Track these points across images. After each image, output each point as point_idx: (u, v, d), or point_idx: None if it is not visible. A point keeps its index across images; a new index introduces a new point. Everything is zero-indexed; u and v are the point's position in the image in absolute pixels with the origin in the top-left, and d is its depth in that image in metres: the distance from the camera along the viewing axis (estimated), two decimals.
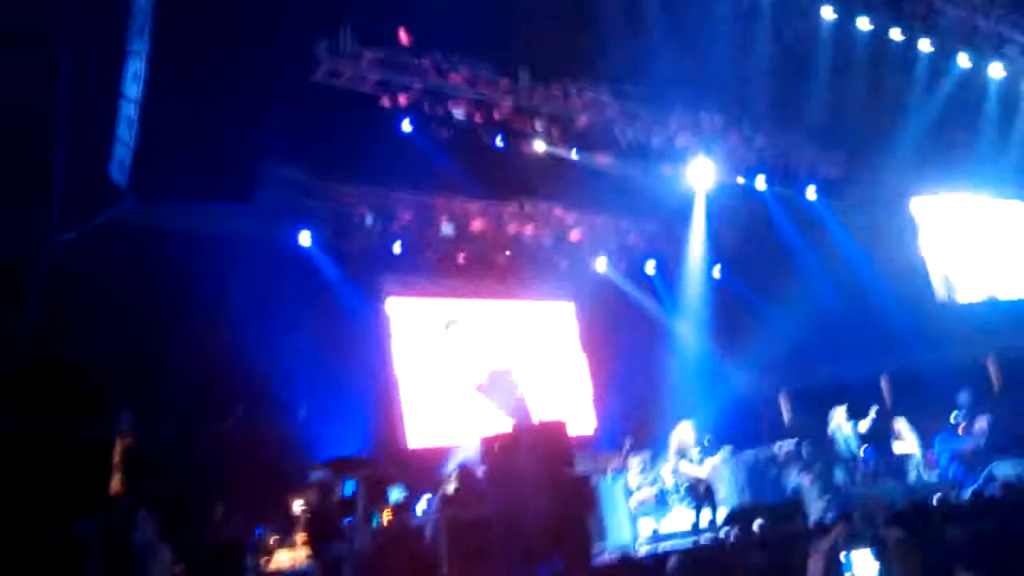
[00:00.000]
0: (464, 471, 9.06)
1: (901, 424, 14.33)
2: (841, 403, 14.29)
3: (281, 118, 11.48)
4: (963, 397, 15.28)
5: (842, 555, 1.66)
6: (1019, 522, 5.97)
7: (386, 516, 8.15)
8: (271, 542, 8.56)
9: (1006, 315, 22.08)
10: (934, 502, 9.07)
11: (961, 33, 18.07)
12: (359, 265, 14.49)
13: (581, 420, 15.93)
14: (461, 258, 15.90)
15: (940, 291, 21.83)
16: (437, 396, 15.02)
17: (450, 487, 9.15)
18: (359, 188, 14.54)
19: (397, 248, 14.94)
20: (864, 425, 13.49)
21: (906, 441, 13.90)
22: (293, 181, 13.39)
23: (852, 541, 1.72)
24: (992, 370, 23.44)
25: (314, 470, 9.11)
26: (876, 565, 1.62)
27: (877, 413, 14.31)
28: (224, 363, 11.27)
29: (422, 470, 11.45)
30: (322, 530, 7.86)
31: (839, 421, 13.79)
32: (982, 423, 14.55)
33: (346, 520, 8.29)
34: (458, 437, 14.12)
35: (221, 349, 11.22)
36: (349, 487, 8.77)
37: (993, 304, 22.27)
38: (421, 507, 8.05)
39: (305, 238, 13.93)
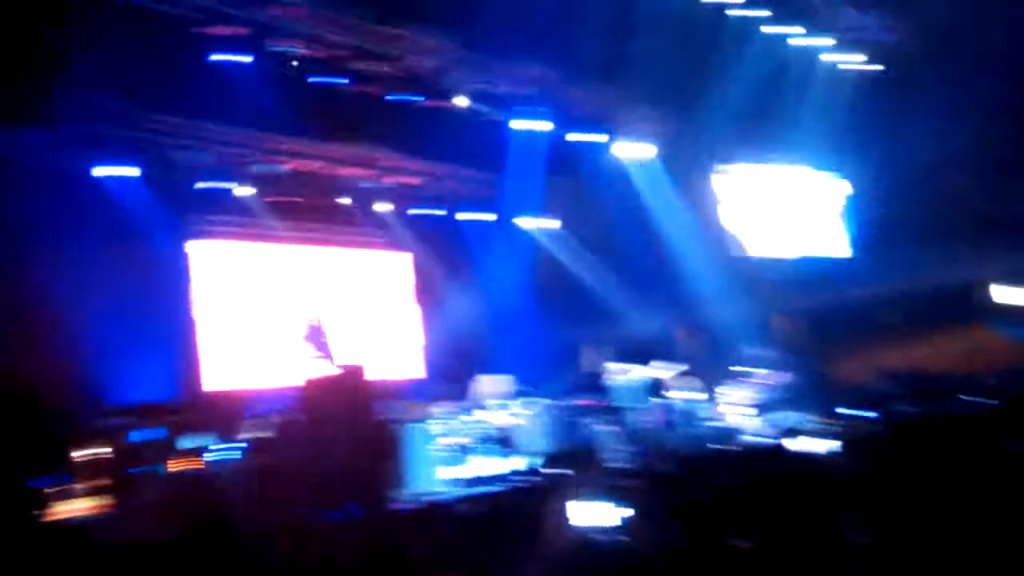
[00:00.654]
0: (265, 418, 8.99)
1: (687, 376, 14.94)
2: (640, 354, 14.85)
3: (88, 40, 10.83)
4: (751, 351, 16.27)
5: (581, 502, 1.80)
6: (791, 469, 6.46)
7: (182, 463, 8.01)
8: (56, 491, 8.22)
9: (802, 273, 23.64)
10: (712, 449, 9.65)
11: (789, 3, 18.78)
12: (168, 201, 13.78)
13: (409, 367, 16.05)
14: (284, 200, 15.46)
15: (739, 251, 23.12)
16: (242, 339, 14.71)
17: (247, 433, 9.08)
18: (174, 119, 13.72)
19: (212, 184, 14.28)
20: (653, 373, 13.89)
21: (694, 392, 14.56)
22: (100, 108, 12.52)
23: (589, 494, 1.86)
24: (779, 327, 25.09)
25: (106, 415, 8.81)
26: (619, 513, 1.77)
27: (670, 364, 14.95)
28: (14, 298, 10.66)
29: (220, 417, 11.23)
30: (112, 478, 7.65)
31: (630, 371, 14.26)
32: (768, 375, 15.59)
33: (138, 468, 8.09)
34: (259, 382, 14.01)
35: (12, 283, 10.60)
36: (142, 433, 8.54)
37: (785, 264, 23.78)
38: (218, 455, 7.94)
39: (111, 169, 13.12)
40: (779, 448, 6.81)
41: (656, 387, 14.94)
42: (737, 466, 5.85)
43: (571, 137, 17.95)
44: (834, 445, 6.90)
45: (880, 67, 22.42)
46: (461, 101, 15.77)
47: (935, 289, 24.17)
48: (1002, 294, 25.78)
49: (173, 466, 7.87)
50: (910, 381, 15.50)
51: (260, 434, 9.11)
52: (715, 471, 5.12)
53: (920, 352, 20.06)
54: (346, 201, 16.13)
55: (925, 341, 21.62)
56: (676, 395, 14.33)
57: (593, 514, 1.91)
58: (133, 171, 13.27)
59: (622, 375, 13.54)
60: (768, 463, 6.31)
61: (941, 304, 24.17)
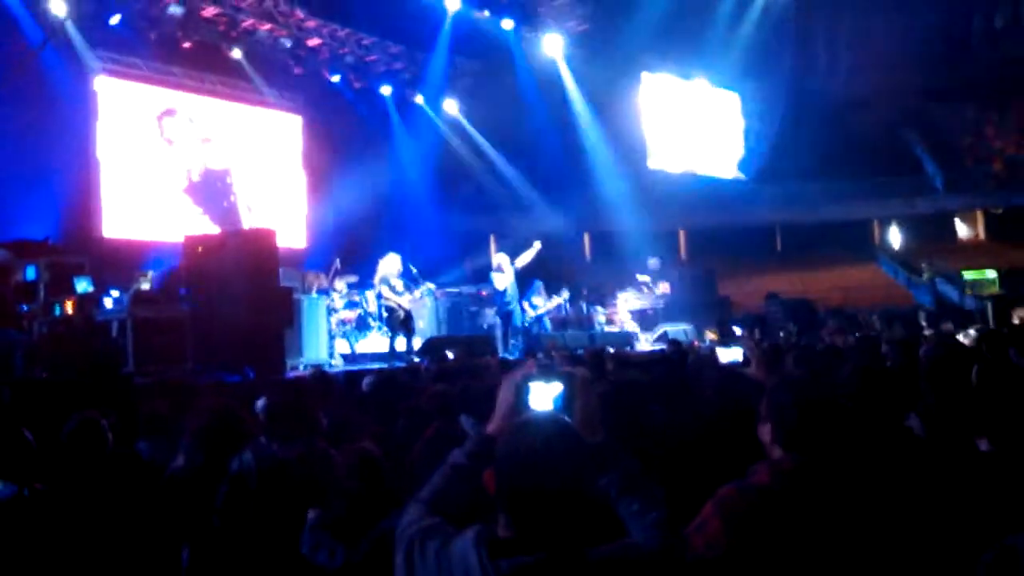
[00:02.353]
0: (162, 270, 8.67)
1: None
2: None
3: None
4: (653, 262, 16.54)
5: (528, 384, 1.78)
6: (683, 372, 6.63)
7: (69, 307, 7.66)
8: None
9: (703, 192, 24.06)
10: (610, 351, 9.82)
11: None
12: (70, 33, 12.96)
13: (293, 235, 15.67)
14: (187, 45, 14.70)
15: (652, 161, 23.32)
16: (142, 188, 14.15)
17: (144, 284, 8.75)
18: None
19: (115, 20, 13.40)
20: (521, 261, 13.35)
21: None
22: None
23: (541, 374, 1.85)
24: (681, 241, 25.66)
25: None
26: (554, 392, 1.76)
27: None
28: None
29: (116, 263, 10.81)
30: (2, 311, 7.27)
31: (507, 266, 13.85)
32: (664, 287, 15.89)
33: (24, 306, 7.72)
34: (158, 233, 13.52)
35: None
36: (30, 272, 8.12)
37: (693, 179, 24.13)
38: (112, 302, 7.62)
39: None
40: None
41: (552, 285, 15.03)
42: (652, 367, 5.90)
43: (480, 16, 17.39)
44: (737, 355, 7.02)
45: None
46: None
47: (829, 223, 25.01)
48: (895, 235, 26.87)
49: (68, 307, 7.52)
50: (794, 309, 16.10)
51: (151, 284, 8.80)
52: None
53: (807, 281, 20.80)
54: (237, 54, 15.29)
55: (813, 271, 22.43)
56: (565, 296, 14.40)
57: (545, 396, 1.86)
58: None
59: (515, 269, 13.36)
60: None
61: (833, 238, 25.06)
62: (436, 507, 1.86)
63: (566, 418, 1.83)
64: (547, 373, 2.07)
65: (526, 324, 13.21)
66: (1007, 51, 25.79)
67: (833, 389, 3.23)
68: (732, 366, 6.72)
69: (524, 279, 14.00)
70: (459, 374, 6.58)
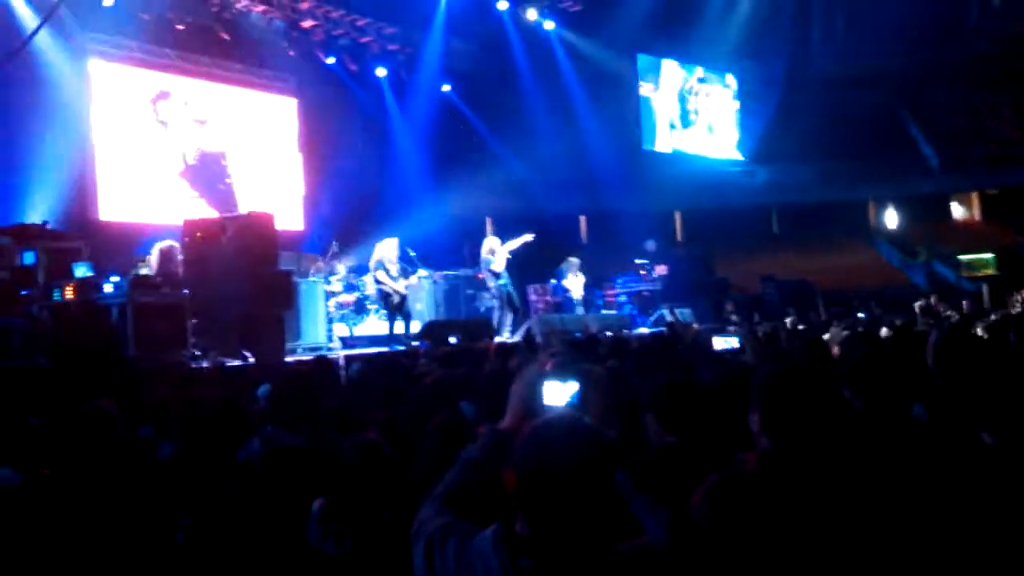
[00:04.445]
0: (161, 252, 8.66)
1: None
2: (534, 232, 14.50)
3: None
4: (650, 244, 16.56)
5: (543, 382, 1.78)
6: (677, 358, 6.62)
7: (69, 292, 7.67)
8: None
9: (699, 173, 24.05)
10: (607, 334, 9.86)
11: None
12: (64, 16, 12.86)
13: (289, 218, 15.64)
14: (180, 27, 14.60)
15: (647, 142, 23.31)
16: (137, 171, 14.10)
17: (143, 269, 8.75)
18: None
19: (109, 2, 13.30)
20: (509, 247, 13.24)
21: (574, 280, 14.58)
22: None
23: (556, 373, 1.85)
24: (678, 223, 25.66)
25: None
26: (570, 391, 1.76)
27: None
28: None
29: (114, 248, 10.78)
30: (3, 298, 7.28)
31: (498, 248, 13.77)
32: (661, 270, 15.91)
33: (23, 291, 7.72)
34: (156, 216, 13.49)
35: None
36: (29, 257, 8.12)
37: (689, 161, 24.12)
38: (112, 287, 7.63)
39: None
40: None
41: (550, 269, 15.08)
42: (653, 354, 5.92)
43: (501, 5, 17.38)
44: (734, 343, 7.07)
45: None
46: None
47: (825, 204, 25.03)
48: (890, 217, 26.88)
49: (68, 292, 7.52)
50: (790, 292, 16.15)
51: (150, 269, 8.80)
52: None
53: (803, 263, 20.82)
54: (226, 35, 15.21)
55: (810, 253, 22.45)
56: (570, 281, 14.44)
57: (560, 394, 1.87)
58: None
59: (510, 252, 13.35)
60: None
61: (829, 219, 25.08)
62: (451, 503, 1.88)
63: (584, 417, 1.85)
64: (563, 372, 2.08)
65: (524, 307, 13.28)
66: (1004, 30, 25.77)
67: (828, 376, 3.26)
68: (727, 352, 6.77)
69: (528, 264, 14.07)
70: (459, 359, 6.61)
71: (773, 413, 2.32)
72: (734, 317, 13.57)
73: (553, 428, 1.77)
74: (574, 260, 14.67)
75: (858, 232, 25.07)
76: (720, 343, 7.51)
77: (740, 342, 7.06)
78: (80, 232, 10.37)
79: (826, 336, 7.31)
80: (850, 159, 24.96)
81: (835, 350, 5.77)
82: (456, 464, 1.95)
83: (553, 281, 14.89)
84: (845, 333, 7.54)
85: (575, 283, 14.38)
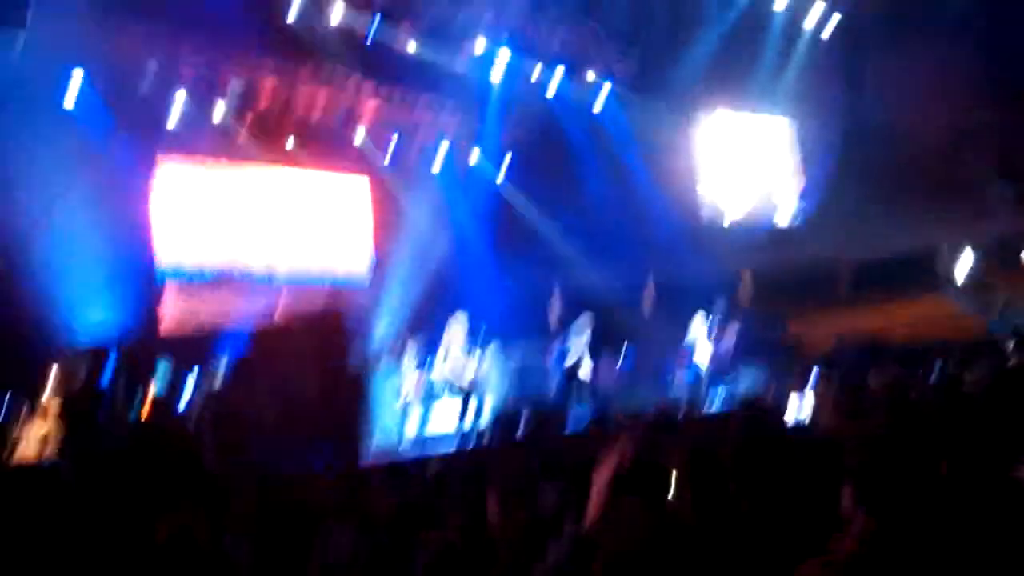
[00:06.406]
0: (234, 359, 8.79)
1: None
2: (604, 307, 14.59)
3: None
4: (717, 306, 16.34)
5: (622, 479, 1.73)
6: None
7: (147, 406, 7.80)
8: (12, 432, 7.90)
9: (762, 231, 23.80)
10: (681, 415, 9.71)
11: None
12: (134, 119, 13.23)
13: (360, 304, 15.82)
14: (249, 120, 15.05)
15: (708, 206, 23.19)
16: (208, 275, 14.42)
17: (217, 380, 8.88)
18: (144, 30, 13.14)
19: (179, 103, 13.78)
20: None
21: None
22: (71, 14, 11.98)
23: (635, 472, 1.79)
24: (744, 283, 25.33)
25: (67, 351, 8.52)
26: (648, 484, 1.69)
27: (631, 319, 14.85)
28: None
29: (187, 355, 10.96)
30: (74, 419, 7.42)
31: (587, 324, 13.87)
32: (731, 332, 15.68)
33: (102, 408, 7.86)
34: (226, 320, 13.73)
35: None
36: (107, 374, 8.27)
37: (752, 219, 23.90)
38: (186, 397, 7.74)
39: (76, 81, 12.44)
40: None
41: (615, 341, 14.99)
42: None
43: (536, 70, 17.66)
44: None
45: (839, 21, 22.53)
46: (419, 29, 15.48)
47: (891, 254, 24.51)
48: (957, 263, 26.22)
49: (144, 409, 7.65)
50: (869, 350, 15.74)
51: (221, 380, 8.91)
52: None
53: (878, 318, 20.33)
54: (302, 122, 15.68)
55: (882, 306, 21.94)
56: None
57: (639, 488, 1.84)
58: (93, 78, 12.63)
59: (581, 327, 13.34)
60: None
61: (897, 270, 24.53)
62: None
63: (664, 510, 1.81)
64: (642, 471, 2.05)
65: (594, 384, 13.15)
66: None
67: (924, 442, 3.10)
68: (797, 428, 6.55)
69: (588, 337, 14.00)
70: (531, 450, 6.56)
71: (869, 486, 2.19)
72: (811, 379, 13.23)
73: (638, 524, 1.72)
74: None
75: (930, 282, 24.48)
76: (794, 411, 7.34)
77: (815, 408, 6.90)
78: (154, 343, 10.57)
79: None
80: (915, 207, 24.52)
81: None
82: (543, 568, 1.91)
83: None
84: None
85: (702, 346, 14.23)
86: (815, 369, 14.62)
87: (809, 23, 22.24)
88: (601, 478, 2.00)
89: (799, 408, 8.13)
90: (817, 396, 8.14)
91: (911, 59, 26.96)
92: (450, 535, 3.37)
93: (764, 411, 8.73)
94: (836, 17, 22.29)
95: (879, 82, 27.65)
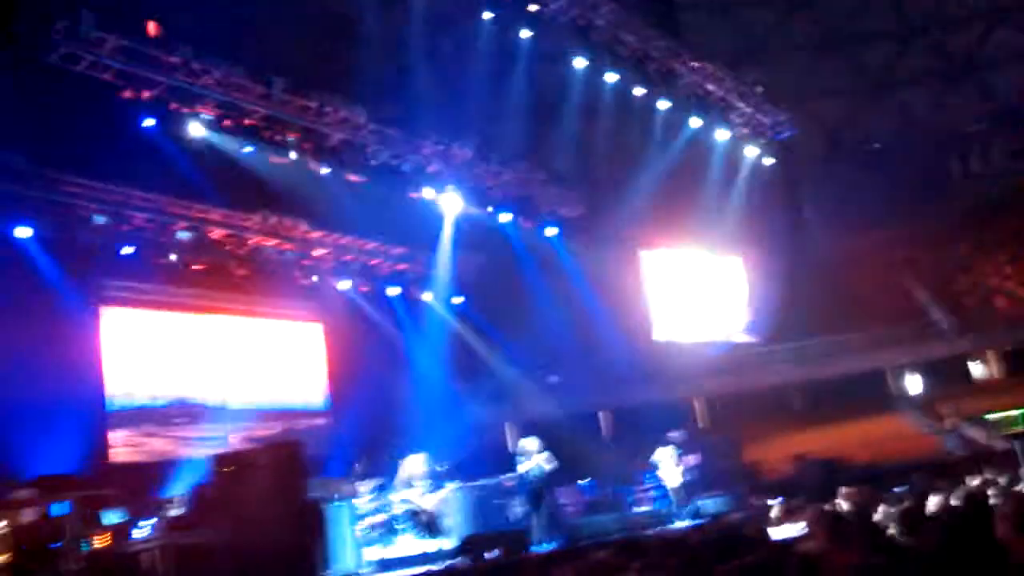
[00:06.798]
0: (191, 492, 8.53)
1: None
2: (556, 434, 14.40)
3: (8, 100, 10.62)
4: (676, 435, 16.25)
5: None
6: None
7: (99, 540, 7.49)
8: None
9: (715, 358, 24.06)
10: (650, 534, 9.57)
11: (695, 97, 19.60)
12: (81, 267, 13.30)
13: (312, 440, 15.57)
14: (197, 268, 15.03)
15: (659, 333, 23.47)
16: (153, 411, 14.17)
17: (173, 510, 8.59)
18: (91, 183, 13.35)
19: (127, 251, 13.79)
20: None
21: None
22: (15, 168, 12.19)
23: None
24: (699, 409, 25.45)
25: (18, 488, 8.23)
26: None
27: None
28: None
29: (143, 488, 10.66)
30: (26, 555, 7.10)
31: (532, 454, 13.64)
32: (691, 459, 15.57)
33: (53, 544, 7.54)
34: (172, 453, 13.45)
35: None
36: (58, 507, 7.99)
37: (703, 347, 24.18)
38: (140, 532, 7.45)
39: (24, 232, 12.55)
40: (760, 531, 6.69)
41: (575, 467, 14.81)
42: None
43: (483, 213, 18.08)
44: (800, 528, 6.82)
45: (773, 160, 23.46)
46: (366, 176, 15.81)
47: (844, 376, 24.88)
48: (907, 383, 26.65)
49: (97, 542, 7.35)
50: (828, 470, 15.74)
51: (178, 511, 8.63)
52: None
53: (833, 438, 20.44)
54: (249, 269, 15.72)
55: (835, 426, 22.09)
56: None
57: None
58: (40, 232, 12.73)
59: (538, 456, 13.16)
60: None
61: (851, 391, 24.85)
62: None
63: None
64: None
65: (556, 511, 12.89)
66: (986, 191, 26.58)
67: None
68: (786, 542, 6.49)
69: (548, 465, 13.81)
70: (500, 573, 6.40)
71: None
72: (774, 502, 13.13)
73: None
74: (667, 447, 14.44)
75: (881, 402, 24.77)
76: (781, 532, 7.24)
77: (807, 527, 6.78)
78: (104, 477, 10.28)
79: (876, 516, 7.07)
80: (862, 330, 25.11)
81: (890, 530, 5.55)
82: None
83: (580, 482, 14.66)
84: (893, 511, 7.27)
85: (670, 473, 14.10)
86: (779, 492, 14.62)
87: (747, 165, 23.06)
88: None
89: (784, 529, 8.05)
90: (809, 523, 7.97)
91: (844, 191, 28.16)
92: None
93: (736, 527, 8.64)
94: (771, 161, 23.15)
95: (817, 213, 28.75)
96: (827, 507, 7.35)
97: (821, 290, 24.70)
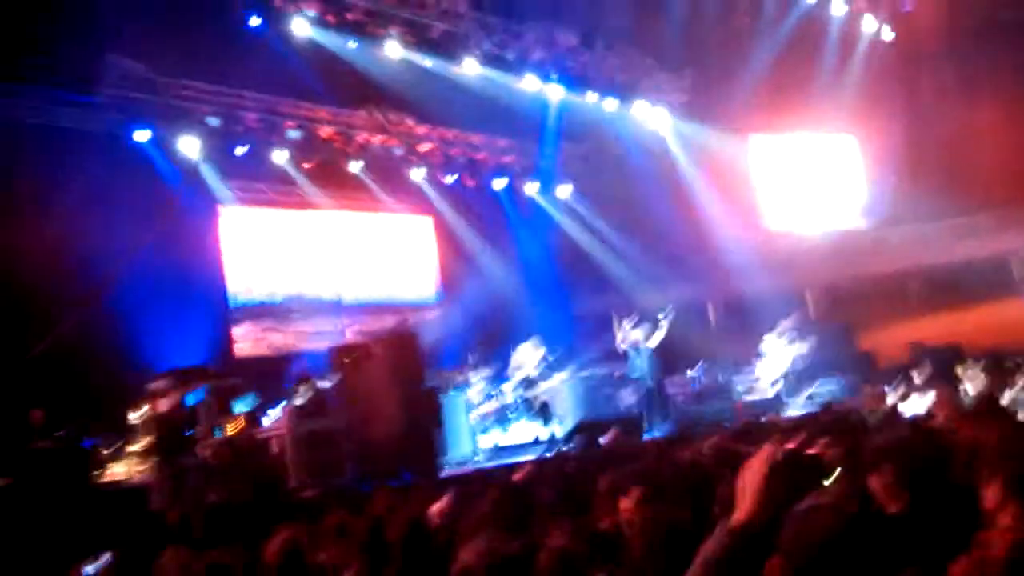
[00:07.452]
0: (313, 382, 8.90)
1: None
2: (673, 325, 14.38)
3: (124, 8, 10.85)
4: (787, 322, 16.09)
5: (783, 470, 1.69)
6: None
7: (231, 427, 7.94)
8: (104, 453, 8.15)
9: (828, 246, 23.46)
10: (763, 421, 9.58)
11: None
12: (200, 168, 13.74)
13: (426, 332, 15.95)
14: (308, 166, 15.31)
15: (770, 221, 22.96)
16: (274, 306, 14.70)
17: (298, 399, 8.99)
18: (204, 86, 13.64)
19: (240, 151, 14.11)
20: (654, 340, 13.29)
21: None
22: (135, 75, 12.52)
23: (796, 460, 1.75)
24: (811, 297, 25.00)
25: (154, 379, 8.72)
26: (814, 474, 1.66)
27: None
28: (57, 263, 10.60)
29: (268, 379, 11.15)
30: (165, 441, 7.58)
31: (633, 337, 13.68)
32: (803, 347, 15.43)
33: (189, 431, 8.02)
34: (297, 344, 14.00)
35: (54, 247, 10.55)
36: (192, 397, 8.45)
37: (816, 235, 23.60)
38: (269, 419, 7.87)
39: (144, 136, 12.87)
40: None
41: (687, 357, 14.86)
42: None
43: (588, 101, 17.72)
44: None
45: (893, 35, 22.26)
46: (472, 66, 15.62)
47: (965, 262, 23.99)
48: None
49: (229, 429, 7.80)
50: (948, 356, 15.35)
51: (304, 398, 9.01)
52: None
53: (952, 325, 19.87)
54: (359, 165, 15.87)
55: (957, 314, 21.43)
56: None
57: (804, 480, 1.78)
58: (158, 135, 13.08)
59: (645, 342, 13.18)
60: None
61: (971, 277, 23.99)
62: None
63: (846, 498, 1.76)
64: (797, 466, 1.99)
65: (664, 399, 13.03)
66: None
67: None
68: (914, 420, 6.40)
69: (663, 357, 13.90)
70: (614, 458, 6.48)
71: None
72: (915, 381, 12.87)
73: (825, 513, 1.68)
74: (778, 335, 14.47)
75: (1004, 286, 23.87)
76: (911, 407, 7.15)
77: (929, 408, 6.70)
78: (234, 368, 10.78)
79: (1003, 400, 6.91)
80: (983, 211, 24.03)
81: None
82: (694, 567, 1.86)
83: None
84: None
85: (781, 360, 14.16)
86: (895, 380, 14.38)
87: (864, 40, 22.00)
88: (754, 474, 1.94)
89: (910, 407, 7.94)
90: (937, 399, 7.81)
91: (966, 68, 26.62)
92: (570, 539, 3.27)
93: (847, 413, 8.56)
94: (891, 35, 22.02)
95: (939, 90, 27.30)
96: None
97: (941, 170, 23.62)
